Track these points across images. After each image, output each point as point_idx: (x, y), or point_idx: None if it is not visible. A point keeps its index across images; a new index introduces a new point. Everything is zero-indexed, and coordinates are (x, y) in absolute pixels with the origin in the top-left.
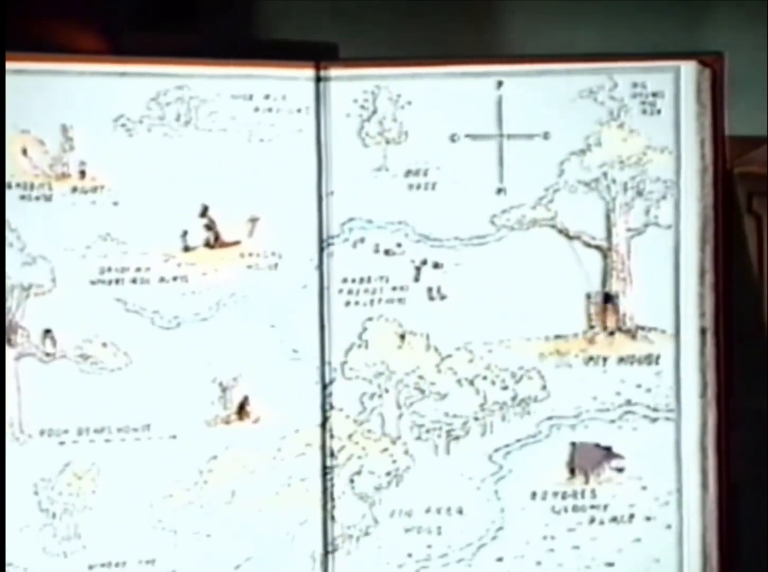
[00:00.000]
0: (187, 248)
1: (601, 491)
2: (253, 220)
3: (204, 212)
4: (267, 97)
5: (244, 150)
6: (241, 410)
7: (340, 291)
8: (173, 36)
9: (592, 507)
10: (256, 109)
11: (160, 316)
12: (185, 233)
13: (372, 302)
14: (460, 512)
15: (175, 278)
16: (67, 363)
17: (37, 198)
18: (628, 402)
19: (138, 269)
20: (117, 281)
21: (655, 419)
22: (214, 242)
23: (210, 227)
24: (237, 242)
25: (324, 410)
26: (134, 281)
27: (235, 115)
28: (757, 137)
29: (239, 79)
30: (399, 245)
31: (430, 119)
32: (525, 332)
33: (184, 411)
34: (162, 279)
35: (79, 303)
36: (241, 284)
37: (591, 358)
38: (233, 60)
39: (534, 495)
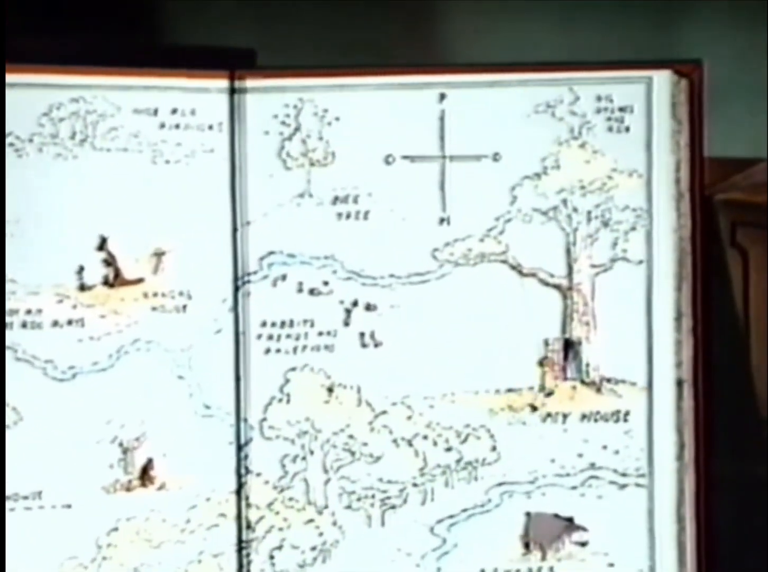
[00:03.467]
0: (83, 287)
1: (561, 568)
2: (159, 254)
3: (102, 245)
4: (174, 111)
5: (148, 173)
6: (145, 474)
7: (259, 337)
8: (67, 41)
9: None
10: (162, 126)
11: (54, 366)
12: (81, 270)
13: (295, 349)
14: None
15: (70, 322)
16: None
17: None
18: (593, 466)
19: (28, 312)
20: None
21: (623, 486)
22: (114, 279)
23: (109, 262)
24: (140, 280)
25: (239, 475)
26: (24, 325)
27: (137, 132)
28: (741, 159)
29: (142, 91)
30: (326, 283)
31: (361, 138)
32: (472, 385)
33: (80, 476)
34: (55, 323)
35: None
36: (145, 328)
37: (549, 415)
38: (135, 69)
39: None
